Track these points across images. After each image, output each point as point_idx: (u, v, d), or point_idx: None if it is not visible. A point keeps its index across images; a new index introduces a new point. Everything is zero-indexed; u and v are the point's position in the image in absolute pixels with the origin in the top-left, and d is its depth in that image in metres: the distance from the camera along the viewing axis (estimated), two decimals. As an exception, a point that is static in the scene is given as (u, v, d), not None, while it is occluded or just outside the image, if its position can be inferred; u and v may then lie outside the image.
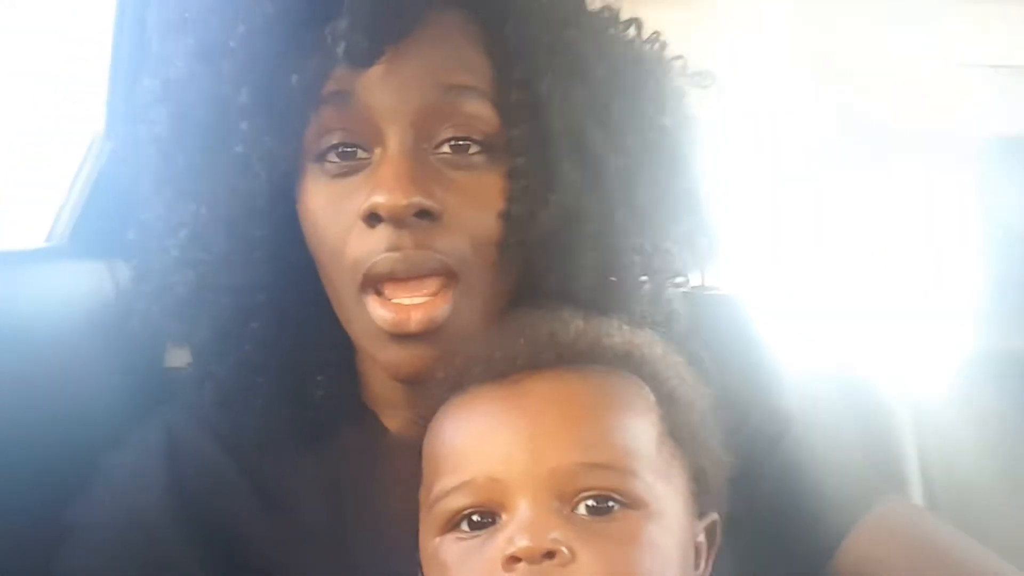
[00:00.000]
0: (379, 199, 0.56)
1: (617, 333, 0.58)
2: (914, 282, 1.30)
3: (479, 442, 0.53)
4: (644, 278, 0.64)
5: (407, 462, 0.60)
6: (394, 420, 0.68)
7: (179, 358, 0.95)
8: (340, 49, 0.56)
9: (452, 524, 0.53)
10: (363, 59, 0.57)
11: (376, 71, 0.58)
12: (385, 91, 0.58)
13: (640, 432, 0.54)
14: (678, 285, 0.66)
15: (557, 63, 0.61)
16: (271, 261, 0.62)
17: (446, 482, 0.53)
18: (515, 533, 0.49)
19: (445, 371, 0.58)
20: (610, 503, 0.51)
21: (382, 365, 0.61)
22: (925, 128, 1.64)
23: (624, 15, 0.66)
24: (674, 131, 0.64)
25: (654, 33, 0.66)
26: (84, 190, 0.91)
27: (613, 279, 0.62)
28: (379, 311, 0.58)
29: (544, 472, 0.50)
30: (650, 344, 0.58)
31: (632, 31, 0.65)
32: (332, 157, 0.60)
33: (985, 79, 1.63)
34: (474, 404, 0.55)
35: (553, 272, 0.61)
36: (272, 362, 0.64)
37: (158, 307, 0.65)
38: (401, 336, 0.58)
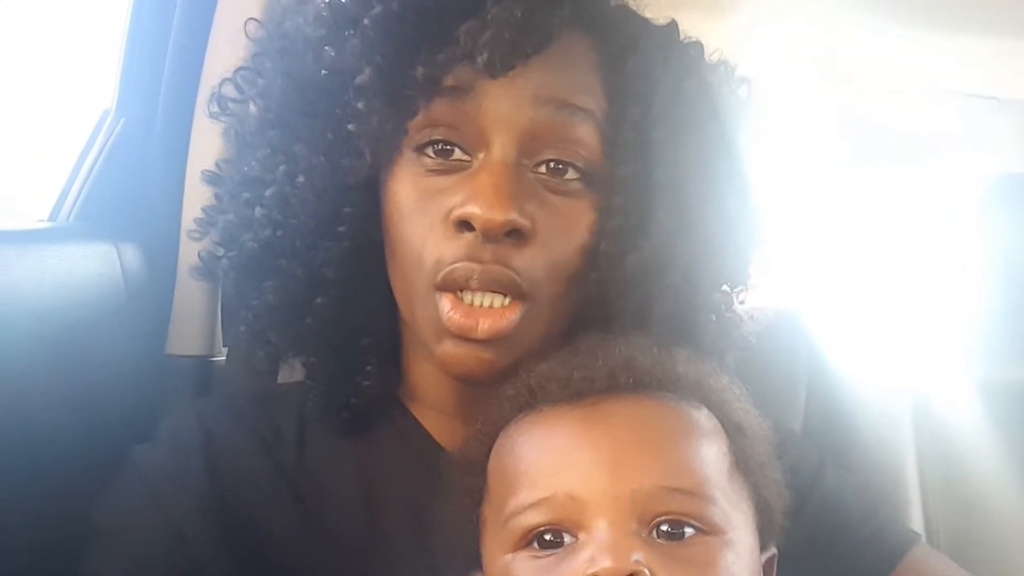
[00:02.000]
0: (476, 210, 0.56)
1: (688, 362, 0.58)
2: (913, 311, 1.33)
3: (559, 460, 0.53)
4: (714, 317, 0.64)
5: (458, 472, 0.59)
6: (432, 423, 0.67)
7: (180, 346, 0.93)
8: (481, 57, 0.56)
9: (526, 541, 0.52)
10: (500, 69, 0.57)
11: (498, 79, 0.58)
12: (501, 98, 0.58)
13: (715, 461, 0.54)
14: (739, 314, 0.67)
15: (673, 113, 0.61)
16: (349, 239, 0.62)
17: (523, 498, 0.52)
18: (597, 553, 0.48)
19: (514, 387, 0.57)
20: (686, 528, 0.50)
21: (439, 358, 0.60)
22: (931, 163, 1.68)
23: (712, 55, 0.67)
24: (753, 183, 0.66)
25: (761, 92, 0.67)
26: (93, 167, 0.87)
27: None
28: (450, 312, 0.58)
29: (625, 493, 0.50)
30: (716, 375, 0.58)
31: (744, 90, 0.67)
32: (430, 151, 0.60)
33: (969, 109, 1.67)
34: (551, 422, 0.55)
35: (629, 310, 0.61)
36: (329, 341, 0.64)
37: (226, 259, 0.64)
38: (466, 338, 0.58)
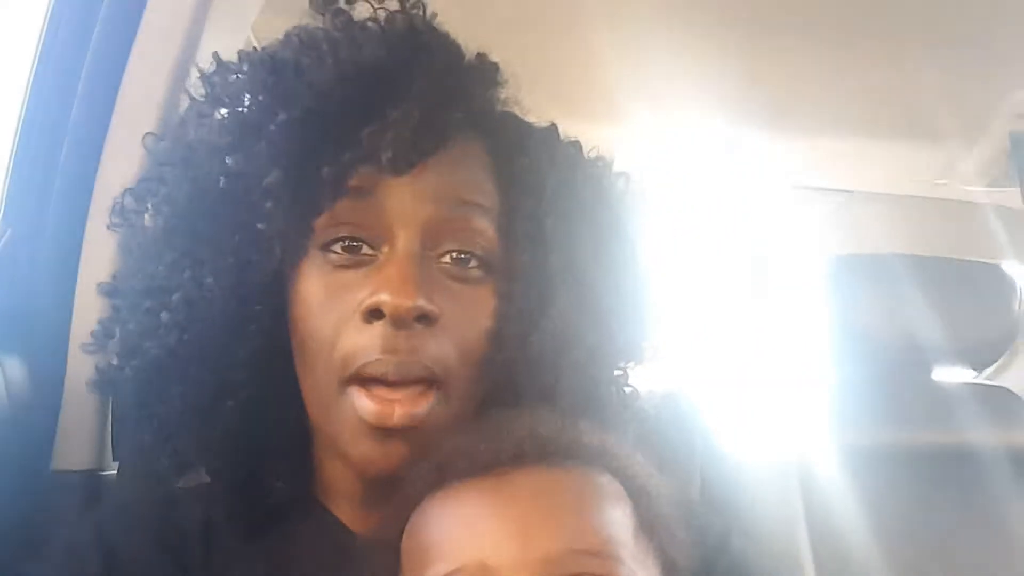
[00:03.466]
0: (385, 298, 0.58)
1: (591, 432, 0.60)
2: (782, 384, 1.42)
3: (469, 531, 0.54)
4: (614, 390, 0.68)
5: (370, 556, 0.59)
6: (346, 514, 0.66)
7: (67, 461, 0.89)
8: (386, 155, 0.59)
9: None
10: (402, 168, 0.60)
11: (399, 178, 0.61)
12: (404, 196, 0.61)
13: (620, 523, 0.56)
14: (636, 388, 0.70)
15: (562, 203, 0.66)
16: (258, 338, 0.62)
17: (435, 571, 0.53)
18: None
19: (425, 466, 0.58)
20: None
21: (354, 459, 0.60)
22: (770, 247, 1.83)
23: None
24: (646, 265, 0.70)
25: (637, 183, 0.73)
26: (-25, 278, 0.85)
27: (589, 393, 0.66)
28: (363, 402, 0.59)
29: (536, 558, 0.51)
30: (618, 444, 0.61)
31: (623, 182, 0.72)
32: (337, 248, 0.62)
33: (823, 201, 1.85)
34: (460, 496, 0.56)
35: (536, 388, 0.63)
36: (238, 445, 0.64)
37: (128, 369, 0.63)
38: (380, 430, 0.59)
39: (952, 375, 1.40)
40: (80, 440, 0.89)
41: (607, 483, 0.58)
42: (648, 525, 0.57)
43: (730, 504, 1.08)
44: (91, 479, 0.89)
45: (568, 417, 0.60)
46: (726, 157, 1.55)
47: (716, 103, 1.34)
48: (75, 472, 0.88)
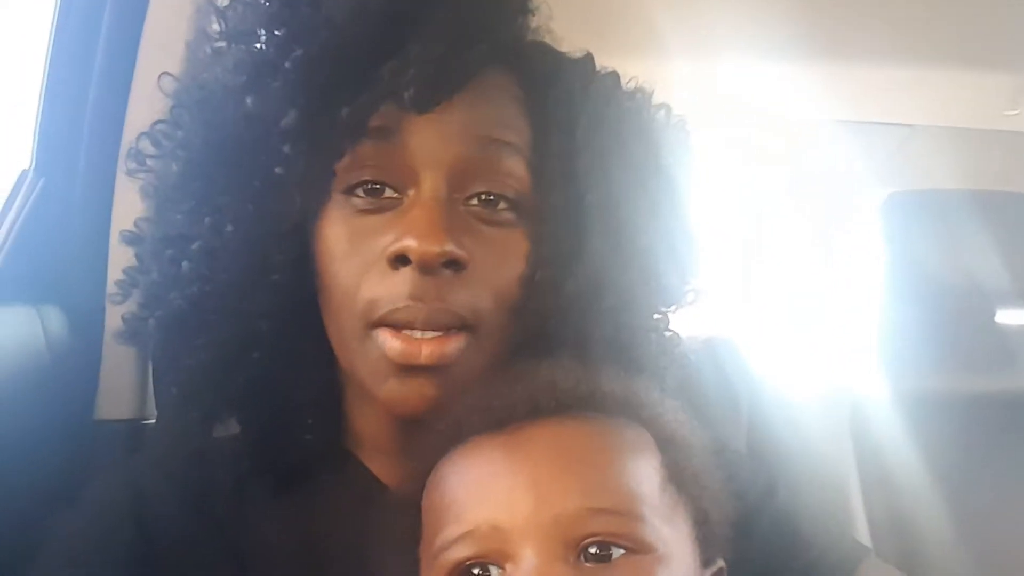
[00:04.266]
0: (412, 243, 0.55)
1: (615, 380, 0.57)
2: (835, 328, 1.37)
3: (480, 491, 0.52)
4: (654, 337, 0.65)
5: (395, 513, 0.58)
6: (380, 466, 0.65)
7: (109, 410, 0.90)
8: (408, 94, 0.56)
9: None
10: (425, 106, 0.57)
11: (423, 116, 0.58)
12: (428, 136, 0.58)
13: (643, 477, 0.53)
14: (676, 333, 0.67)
15: (597, 139, 0.62)
16: (282, 289, 0.60)
17: (448, 533, 0.51)
18: None
19: (443, 422, 0.56)
20: (614, 549, 0.50)
21: (383, 400, 0.59)
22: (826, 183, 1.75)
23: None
24: (688, 204, 0.67)
25: (679, 117, 0.69)
26: (12, 229, 0.85)
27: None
28: (390, 342, 0.57)
29: (548, 519, 0.49)
30: (647, 390, 0.58)
31: (663, 115, 0.68)
32: (360, 192, 0.59)
33: (883, 136, 1.76)
34: (474, 453, 0.54)
35: (569, 336, 0.61)
36: (267, 397, 0.62)
37: (152, 320, 0.62)
38: (408, 368, 0.57)
39: (1016, 317, 1.33)
40: (121, 389, 0.90)
41: (632, 434, 0.55)
42: (678, 477, 0.55)
43: (778, 453, 1.05)
44: (133, 428, 0.90)
45: (589, 366, 0.57)
46: (776, 90, 1.48)
47: (766, 31, 1.27)
48: (117, 421, 0.89)
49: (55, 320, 0.84)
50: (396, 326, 0.57)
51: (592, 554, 0.49)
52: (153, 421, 0.92)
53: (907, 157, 1.69)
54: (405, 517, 0.57)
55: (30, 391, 0.79)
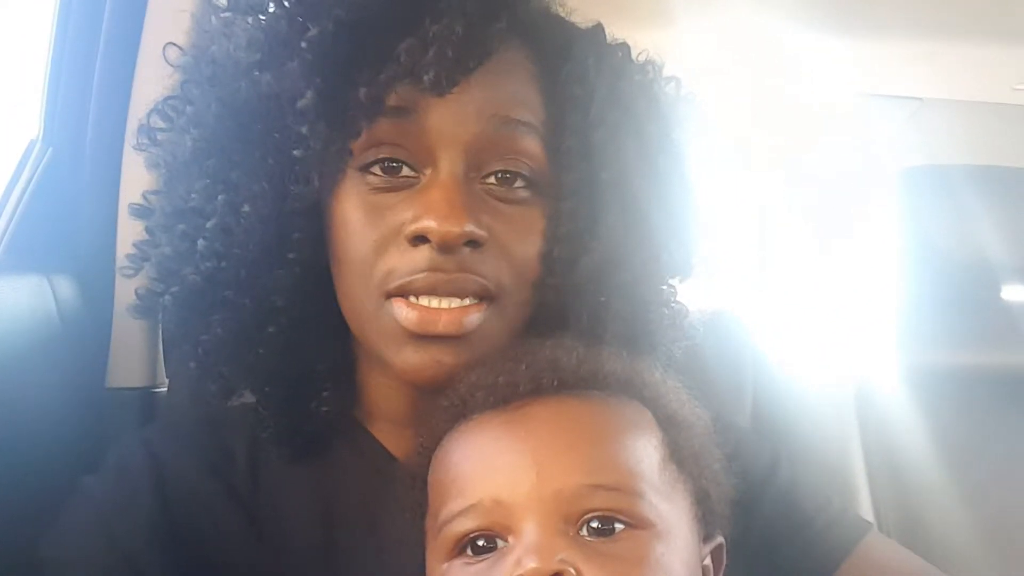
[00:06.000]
0: (431, 224, 0.56)
1: (617, 359, 0.59)
2: (843, 303, 1.37)
3: (484, 466, 0.53)
4: (665, 311, 0.66)
5: (402, 487, 0.59)
6: (391, 438, 0.66)
7: (120, 378, 0.91)
8: (428, 76, 0.56)
9: (459, 549, 0.52)
10: (444, 87, 0.57)
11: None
12: (445, 115, 0.58)
13: (643, 454, 0.54)
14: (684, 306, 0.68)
15: (611, 115, 0.63)
16: (298, 265, 0.61)
17: (452, 506, 0.53)
18: (522, 555, 0.49)
19: (448, 399, 0.57)
20: (615, 524, 0.51)
21: (399, 369, 0.60)
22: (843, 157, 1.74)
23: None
24: (698, 177, 0.67)
25: (689, 90, 0.69)
26: (21, 198, 0.85)
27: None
28: (405, 311, 0.58)
29: (549, 494, 0.50)
30: (650, 369, 0.59)
31: (673, 87, 0.68)
32: (377, 170, 0.60)
33: (893, 109, 1.74)
34: (478, 430, 0.55)
35: (584, 312, 0.62)
36: (282, 370, 0.63)
37: (167, 295, 0.63)
38: (425, 337, 0.58)
39: (1022, 293, 1.33)
40: (132, 357, 0.91)
41: (633, 412, 0.56)
42: (678, 455, 0.56)
43: (782, 428, 1.06)
44: (144, 395, 0.91)
45: (591, 346, 0.58)
46: (787, 62, 1.46)
47: (777, 4, 1.26)
48: (128, 389, 0.90)
49: (66, 289, 0.85)
50: (416, 294, 0.57)
51: (593, 528, 0.51)
52: (164, 390, 0.92)
53: (916, 130, 1.67)
54: (411, 491, 0.58)
55: (42, 360, 0.79)
